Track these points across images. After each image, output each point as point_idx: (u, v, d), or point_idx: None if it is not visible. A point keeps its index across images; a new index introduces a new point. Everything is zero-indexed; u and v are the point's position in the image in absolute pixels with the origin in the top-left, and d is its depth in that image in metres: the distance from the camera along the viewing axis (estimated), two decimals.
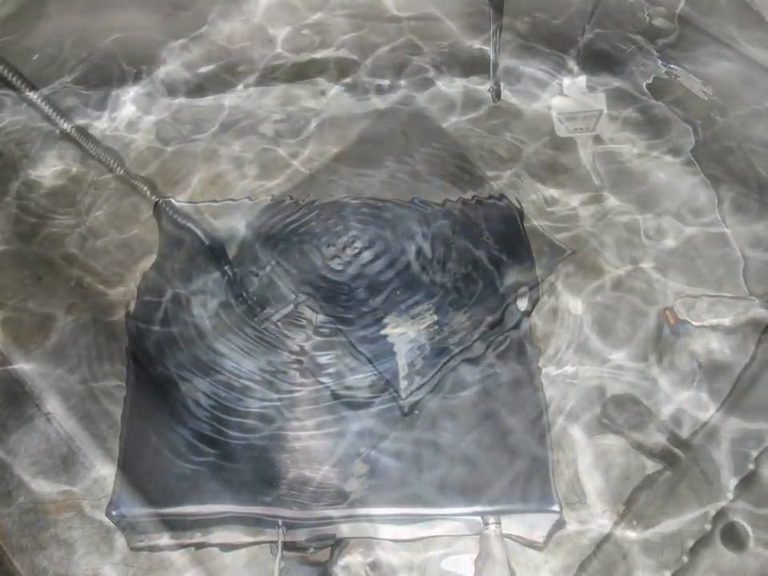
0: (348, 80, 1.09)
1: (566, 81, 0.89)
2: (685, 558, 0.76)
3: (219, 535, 0.77)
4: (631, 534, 0.79)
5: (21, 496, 0.67)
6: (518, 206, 0.95)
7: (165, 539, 0.75)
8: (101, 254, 0.98)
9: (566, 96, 0.91)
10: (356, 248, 0.93)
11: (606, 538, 0.80)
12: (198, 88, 1.09)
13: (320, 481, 0.83)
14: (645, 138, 0.99)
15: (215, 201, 1.00)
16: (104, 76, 1.03)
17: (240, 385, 0.88)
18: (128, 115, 1.05)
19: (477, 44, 1.10)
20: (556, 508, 0.76)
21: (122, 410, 0.78)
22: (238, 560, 0.78)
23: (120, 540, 0.73)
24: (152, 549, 0.74)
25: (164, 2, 1.05)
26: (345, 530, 0.81)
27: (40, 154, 1.00)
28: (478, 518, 0.79)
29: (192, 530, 0.77)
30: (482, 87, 1.05)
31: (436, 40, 1.10)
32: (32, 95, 0.79)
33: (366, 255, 0.93)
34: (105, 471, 0.74)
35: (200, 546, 0.77)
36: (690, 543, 0.76)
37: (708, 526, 0.77)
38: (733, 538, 0.76)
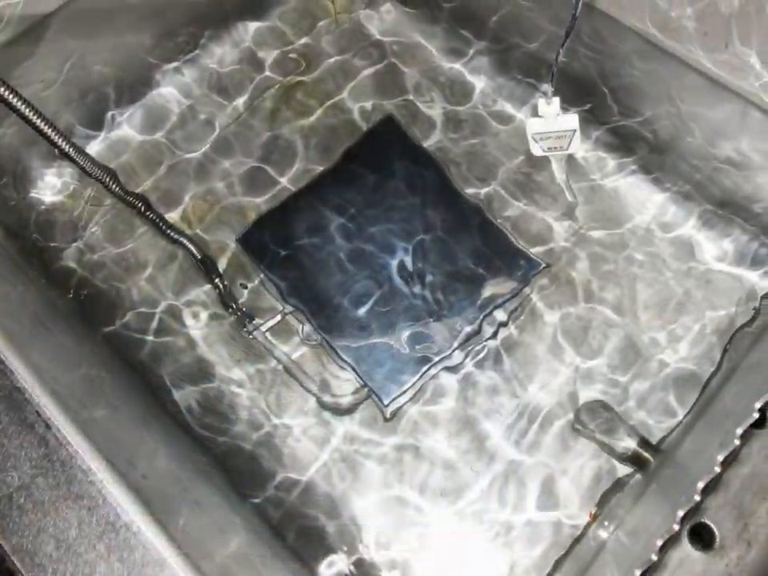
0: (333, 101, 1.11)
1: (541, 102, 0.92)
2: (654, 557, 0.77)
3: None
4: (603, 534, 0.80)
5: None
6: (495, 221, 0.97)
7: None
8: (97, 267, 1.00)
9: (540, 117, 0.93)
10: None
11: (579, 538, 0.82)
12: (190, 109, 1.11)
13: (306, 483, 0.87)
14: (616, 156, 1.02)
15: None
16: (100, 98, 1.05)
17: (229, 392, 0.92)
18: (123, 135, 1.08)
19: (456, 66, 1.12)
20: None
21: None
22: None
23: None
24: None
25: (158, 27, 1.07)
26: (330, 529, 0.84)
27: (39, 172, 1.03)
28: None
29: None
30: (461, 108, 1.08)
31: (417, 64, 1.12)
32: (32, 116, 0.80)
33: (351, 269, 0.95)
34: (101, 476, 0.76)
35: None
36: (659, 543, 0.77)
37: (676, 527, 0.77)
38: (700, 537, 0.78)
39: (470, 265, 0.94)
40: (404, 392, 0.89)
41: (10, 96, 0.76)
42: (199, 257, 0.97)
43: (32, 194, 1.04)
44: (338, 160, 1.03)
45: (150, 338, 0.96)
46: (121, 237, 1.03)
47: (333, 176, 1.02)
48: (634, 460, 0.84)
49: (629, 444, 0.84)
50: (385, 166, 1.02)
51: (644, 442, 0.84)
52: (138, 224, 1.03)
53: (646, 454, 0.83)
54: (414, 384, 0.89)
